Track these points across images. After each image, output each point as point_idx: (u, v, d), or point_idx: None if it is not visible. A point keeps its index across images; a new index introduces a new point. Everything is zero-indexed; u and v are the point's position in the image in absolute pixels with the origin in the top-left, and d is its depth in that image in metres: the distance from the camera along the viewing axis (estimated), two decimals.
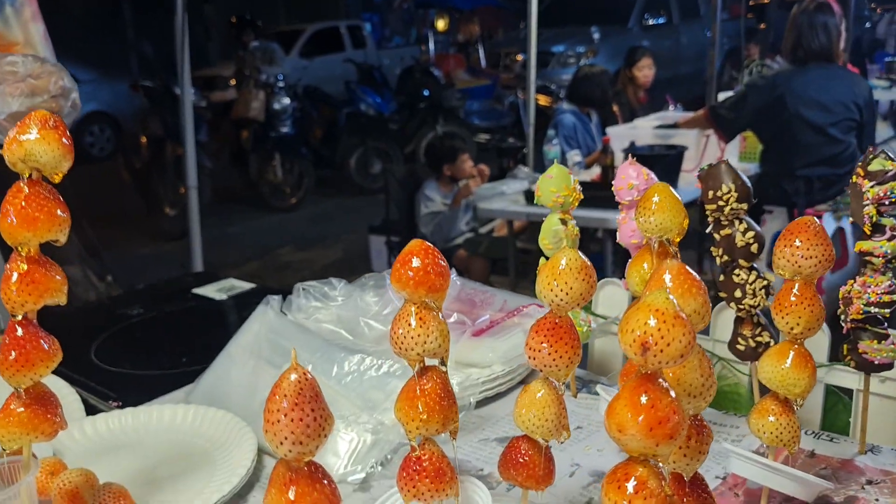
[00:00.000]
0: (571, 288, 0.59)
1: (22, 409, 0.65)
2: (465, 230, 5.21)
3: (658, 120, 5.16)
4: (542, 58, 11.65)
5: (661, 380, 0.48)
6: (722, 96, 5.18)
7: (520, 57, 11.45)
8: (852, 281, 0.78)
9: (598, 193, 4.22)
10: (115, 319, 1.44)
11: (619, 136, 4.86)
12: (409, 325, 0.58)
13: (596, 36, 11.92)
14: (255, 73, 8.53)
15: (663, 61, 11.69)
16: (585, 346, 1.06)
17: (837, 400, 0.97)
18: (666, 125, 4.94)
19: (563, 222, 0.89)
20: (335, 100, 9.72)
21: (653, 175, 0.88)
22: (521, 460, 0.64)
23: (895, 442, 0.86)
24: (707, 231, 0.84)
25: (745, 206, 0.81)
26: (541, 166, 5.32)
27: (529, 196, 4.34)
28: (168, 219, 7.48)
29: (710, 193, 0.81)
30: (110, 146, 12.02)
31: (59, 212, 0.65)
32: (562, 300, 0.60)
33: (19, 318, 0.65)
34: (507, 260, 4.78)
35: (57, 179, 0.65)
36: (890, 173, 0.74)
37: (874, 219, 0.75)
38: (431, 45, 11.78)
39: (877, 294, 0.76)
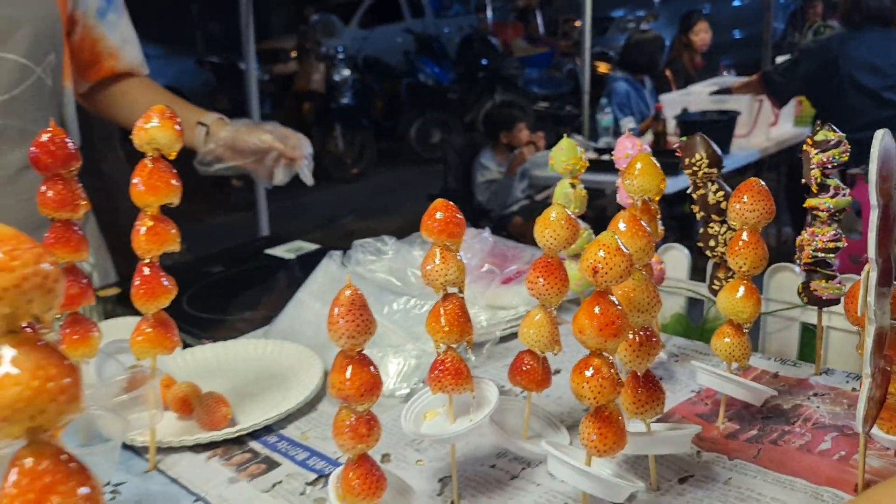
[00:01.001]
0: (558, 234, 0.78)
1: (150, 329, 0.87)
2: (521, 197, 5.34)
3: (713, 86, 5.18)
4: (601, 24, 11.60)
5: (610, 296, 0.67)
6: (781, 59, 5.14)
7: (578, 23, 11.40)
8: (804, 231, 0.95)
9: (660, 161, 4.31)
10: (200, 276, 1.67)
11: (672, 102, 4.91)
12: (435, 261, 0.78)
13: None
14: (316, 46, 8.74)
15: (725, 24, 11.48)
16: None
17: (812, 336, 1.13)
18: (721, 90, 4.96)
19: (573, 186, 1.07)
20: (395, 70, 9.87)
21: (646, 146, 1.04)
22: (524, 368, 0.83)
23: (847, 366, 1.02)
24: (687, 191, 1.01)
25: (715, 170, 0.98)
26: (595, 135, 5.43)
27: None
28: (236, 190, 7.79)
29: (686, 160, 0.98)
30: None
31: (173, 181, 0.86)
32: (551, 244, 0.78)
33: (147, 261, 0.87)
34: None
35: (172, 157, 0.87)
36: (832, 142, 0.91)
37: (819, 180, 0.91)
38: (489, 13, 11.84)
39: (823, 241, 0.92)
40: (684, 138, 1.01)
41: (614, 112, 5.46)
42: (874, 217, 0.65)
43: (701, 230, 1.01)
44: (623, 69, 5.82)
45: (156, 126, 0.84)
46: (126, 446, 0.94)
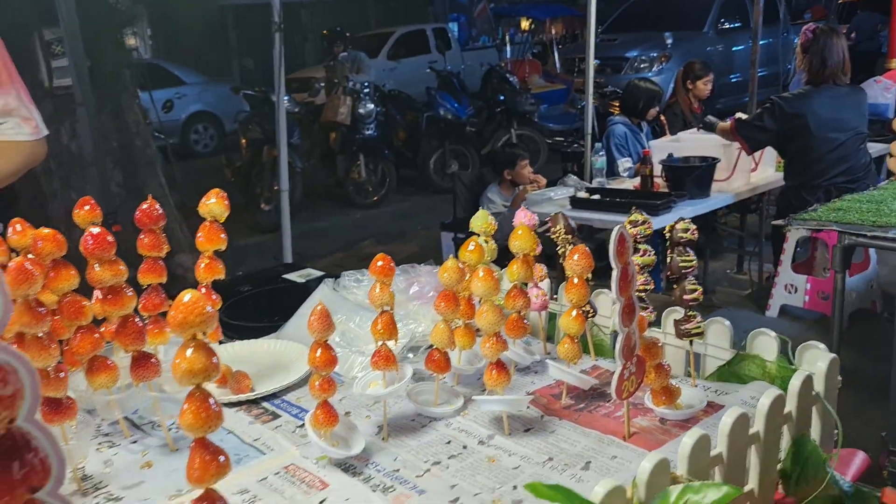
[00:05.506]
0: (451, 277, 1.29)
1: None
2: None
3: (700, 132, 5.57)
4: (616, 63, 12.15)
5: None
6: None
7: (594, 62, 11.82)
8: None
9: (634, 200, 4.80)
10: (234, 293, 2.20)
11: (661, 147, 5.34)
12: (375, 291, 1.30)
13: (669, 41, 12.20)
14: (344, 80, 9.33)
15: (739, 65, 11.91)
16: None
17: None
18: (706, 125, 5.30)
19: (486, 242, 1.58)
20: (417, 103, 10.42)
21: (535, 217, 1.54)
22: (434, 359, 1.34)
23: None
24: (556, 250, 1.52)
25: (570, 236, 1.48)
26: (590, 175, 5.91)
27: (575, 202, 4.98)
28: (264, 213, 8.34)
29: (552, 230, 1.50)
30: (213, 143, 13.16)
31: (222, 236, 1.39)
32: (447, 282, 1.29)
33: (203, 285, 1.39)
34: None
35: (222, 220, 1.39)
36: (639, 222, 1.41)
37: (634, 245, 1.41)
38: (508, 51, 12.44)
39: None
40: (554, 213, 1.51)
41: (612, 152, 5.94)
42: (615, 274, 1.16)
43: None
44: (622, 112, 6.30)
45: (213, 202, 1.37)
46: None
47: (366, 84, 9.40)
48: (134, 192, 5.92)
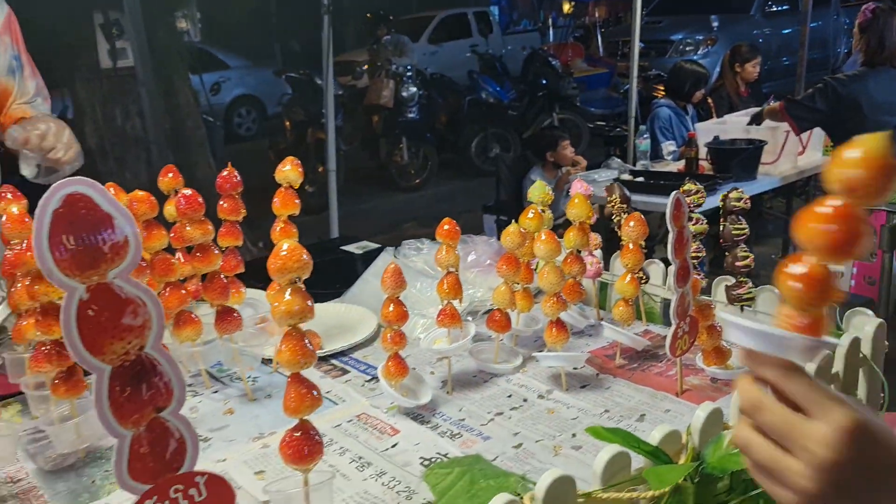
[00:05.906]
0: (513, 241, 1.36)
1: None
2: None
3: (747, 115, 5.53)
4: (661, 46, 12.05)
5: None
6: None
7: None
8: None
9: (678, 182, 4.79)
10: None
11: (707, 130, 5.31)
12: (442, 253, 1.38)
13: (715, 24, 12.06)
14: (387, 64, 9.40)
15: (787, 48, 11.72)
16: None
17: None
18: (752, 118, 5.28)
19: (543, 211, 1.65)
20: (459, 87, 10.45)
21: (591, 188, 1.60)
22: (495, 319, 1.42)
23: None
24: (611, 217, 1.58)
25: (625, 205, 1.55)
26: (634, 158, 5.92)
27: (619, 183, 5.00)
28: (308, 195, 8.46)
29: (609, 198, 1.56)
30: (255, 127, 13.35)
31: (296, 201, 1.48)
32: (509, 246, 1.37)
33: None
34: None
35: (296, 186, 1.48)
36: (693, 192, 1.46)
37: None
38: (550, 34, 12.39)
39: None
40: (612, 182, 1.58)
41: (656, 135, 5.94)
42: (671, 236, 1.22)
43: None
44: (667, 95, 6.28)
45: (288, 169, 1.45)
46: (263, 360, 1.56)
47: (408, 67, 9.47)
48: (185, 171, 6.08)
